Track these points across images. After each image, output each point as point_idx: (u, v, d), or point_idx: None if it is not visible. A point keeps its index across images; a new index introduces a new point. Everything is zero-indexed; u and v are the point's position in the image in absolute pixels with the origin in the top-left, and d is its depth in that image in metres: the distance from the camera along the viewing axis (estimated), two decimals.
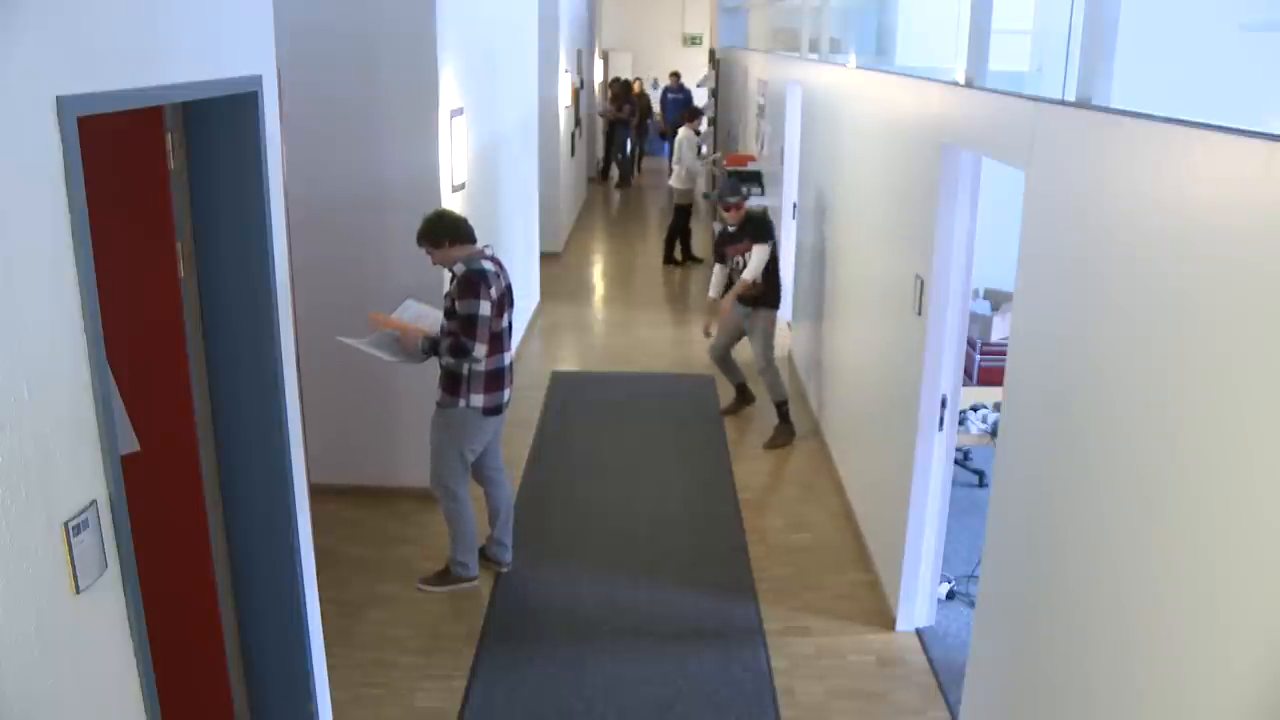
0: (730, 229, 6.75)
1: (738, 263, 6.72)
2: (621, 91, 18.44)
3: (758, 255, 6.59)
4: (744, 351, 7.28)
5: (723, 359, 7.11)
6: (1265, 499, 1.85)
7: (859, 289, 5.83)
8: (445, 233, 4.54)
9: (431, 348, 4.50)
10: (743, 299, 6.74)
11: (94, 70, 2.06)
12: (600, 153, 18.72)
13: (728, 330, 6.98)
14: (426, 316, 4.72)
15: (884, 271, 5.11)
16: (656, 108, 19.68)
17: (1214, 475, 2.03)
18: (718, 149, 14.98)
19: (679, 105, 16.85)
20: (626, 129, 18.13)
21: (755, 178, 11.07)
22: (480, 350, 4.44)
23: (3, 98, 1.78)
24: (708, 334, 7.01)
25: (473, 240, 4.59)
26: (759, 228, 6.66)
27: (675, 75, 19.03)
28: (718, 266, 7.00)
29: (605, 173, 18.68)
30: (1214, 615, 2.02)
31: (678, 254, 11.85)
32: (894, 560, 4.68)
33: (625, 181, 18.20)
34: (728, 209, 6.69)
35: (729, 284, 6.86)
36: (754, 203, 7.56)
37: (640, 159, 19.29)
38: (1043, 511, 2.98)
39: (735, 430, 6.99)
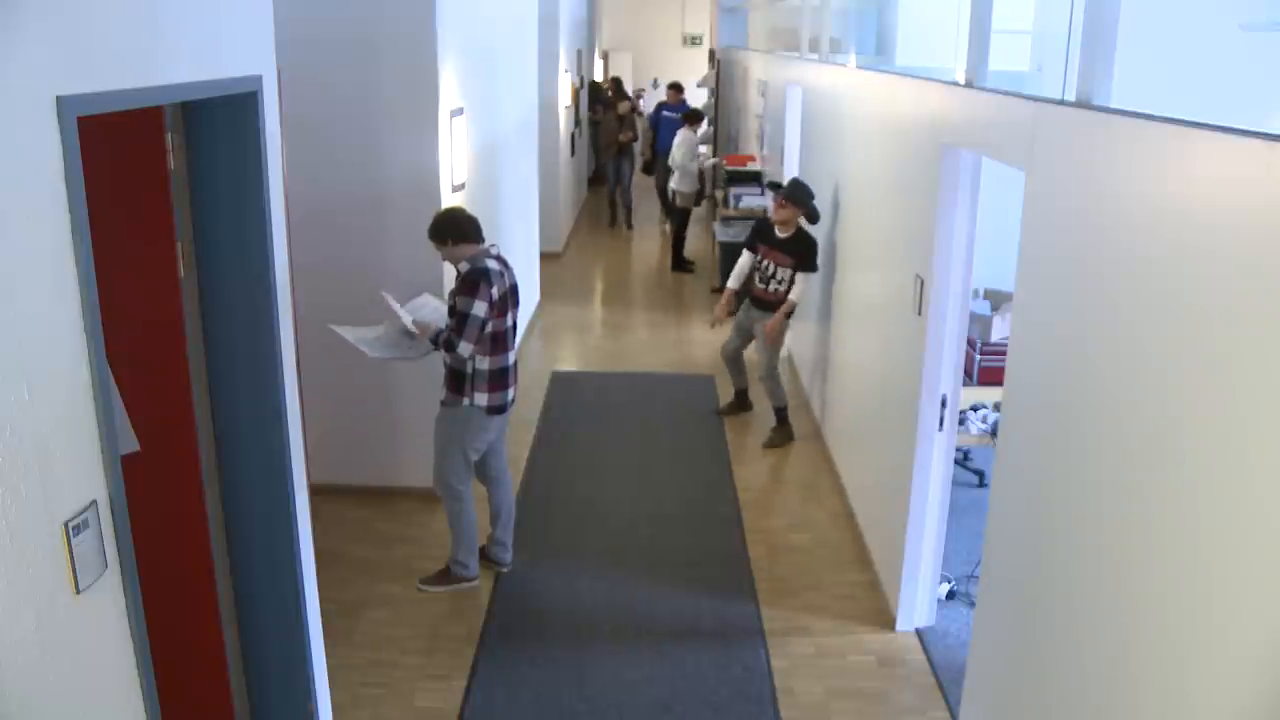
0: (778, 233, 6.53)
1: (769, 267, 6.58)
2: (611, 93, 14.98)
3: (802, 284, 6.49)
4: (749, 353, 7.27)
5: (733, 360, 7.08)
6: (1265, 498, 1.85)
7: (859, 289, 5.83)
8: (449, 232, 4.54)
9: (436, 339, 4.51)
10: (759, 303, 6.69)
11: (94, 70, 2.06)
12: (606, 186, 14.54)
13: (740, 331, 6.95)
14: (439, 311, 4.73)
15: (884, 271, 5.11)
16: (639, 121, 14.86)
17: (1214, 475, 2.03)
18: (717, 153, 14.48)
19: (675, 126, 12.73)
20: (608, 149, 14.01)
21: (755, 178, 11.07)
22: (467, 349, 4.44)
23: (3, 98, 1.78)
24: (715, 325, 7.00)
25: (479, 240, 4.59)
26: (806, 254, 6.49)
27: (676, 88, 14.31)
28: (746, 255, 6.77)
29: (618, 218, 14.31)
30: (1213, 615, 2.02)
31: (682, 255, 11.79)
32: (894, 560, 4.68)
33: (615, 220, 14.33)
34: (778, 201, 6.52)
35: (753, 285, 6.75)
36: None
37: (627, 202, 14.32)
38: (1043, 511, 2.98)
39: (735, 430, 6.99)
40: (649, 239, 13.46)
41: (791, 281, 6.53)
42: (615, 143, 13.60)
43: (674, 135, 12.46)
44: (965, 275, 4.21)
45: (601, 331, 9.62)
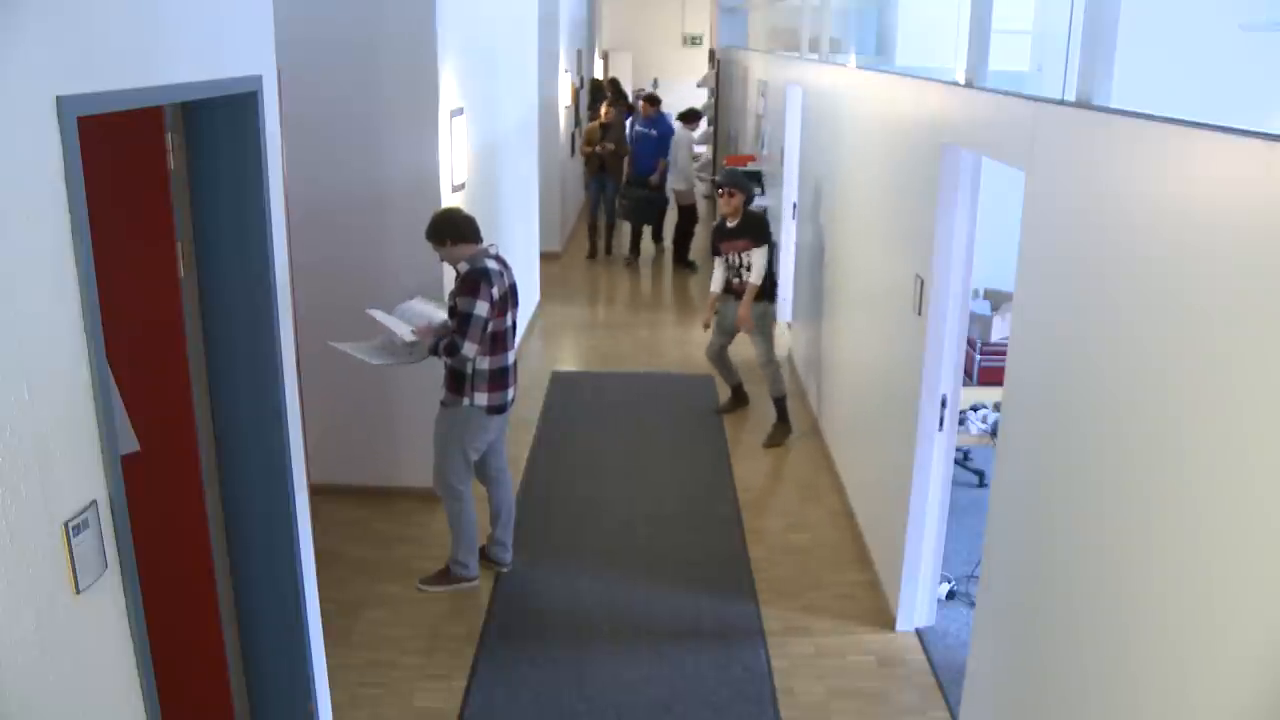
0: (728, 224, 6.71)
1: (736, 260, 6.70)
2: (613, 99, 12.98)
3: (759, 259, 6.58)
4: (740, 351, 7.28)
5: (719, 358, 7.12)
6: (1265, 498, 1.85)
7: (859, 289, 5.83)
8: (448, 232, 4.55)
9: (434, 346, 4.51)
10: (738, 296, 6.74)
11: (94, 70, 2.06)
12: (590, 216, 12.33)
13: (722, 329, 6.99)
14: (431, 309, 4.72)
15: (884, 271, 5.11)
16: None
17: (1214, 475, 2.03)
18: (717, 153, 14.29)
19: (652, 146, 11.63)
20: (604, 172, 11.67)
21: (755, 178, 11.07)
22: (470, 349, 4.44)
23: (3, 98, 1.78)
24: (706, 327, 7.05)
25: (477, 239, 4.59)
26: (758, 228, 6.66)
27: (651, 100, 12.13)
28: (718, 261, 6.90)
29: (599, 248, 12.22)
30: (1213, 615, 2.02)
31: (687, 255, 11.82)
32: (894, 560, 4.68)
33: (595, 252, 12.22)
34: (721, 194, 6.70)
35: (728, 279, 6.83)
36: (756, 203, 7.47)
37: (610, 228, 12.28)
38: (1043, 511, 2.98)
39: (735, 430, 6.99)
40: (647, 241, 12.78)
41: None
42: (596, 156, 11.56)
43: (650, 156, 11.51)
44: (965, 275, 4.21)
45: (601, 331, 9.62)
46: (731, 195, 6.64)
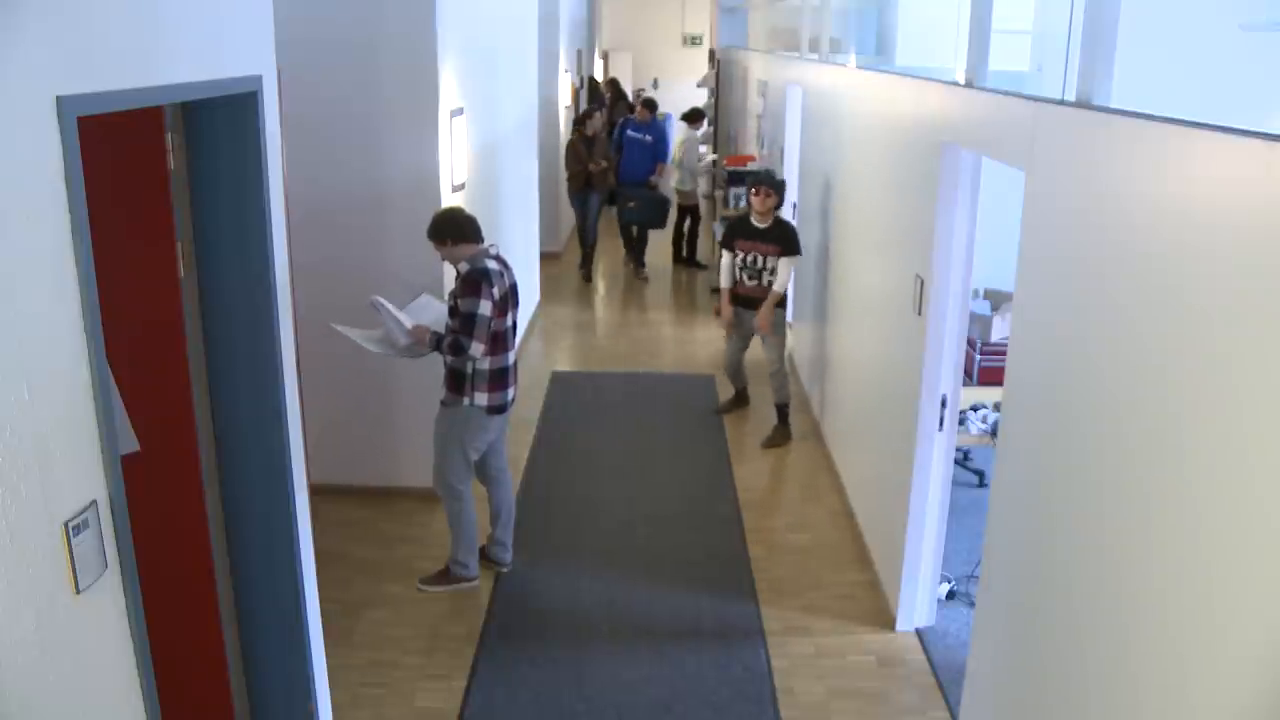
0: (757, 224, 6.56)
1: (756, 260, 6.57)
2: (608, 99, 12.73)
3: (786, 269, 6.51)
4: (750, 353, 7.25)
5: (736, 370, 7.07)
6: (1265, 498, 1.85)
7: (859, 288, 5.83)
8: (449, 232, 4.55)
9: (437, 344, 4.50)
10: (750, 303, 6.67)
11: (94, 70, 2.06)
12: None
13: (740, 338, 6.93)
14: (441, 311, 4.71)
15: (884, 271, 5.11)
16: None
17: (1213, 475, 2.03)
18: (717, 152, 14.24)
19: (644, 151, 11.18)
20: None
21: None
22: (478, 349, 4.45)
23: (3, 98, 1.78)
24: (717, 314, 7.00)
25: (478, 240, 4.59)
26: (790, 239, 6.55)
27: (649, 105, 11.57)
28: (727, 255, 6.73)
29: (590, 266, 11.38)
30: (1213, 615, 2.02)
31: (683, 252, 11.83)
32: (894, 560, 4.68)
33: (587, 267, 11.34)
34: (756, 193, 6.51)
35: (742, 279, 6.69)
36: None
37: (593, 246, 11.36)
38: (1043, 511, 2.98)
39: (735, 430, 6.99)
40: (651, 240, 12.30)
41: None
42: (584, 172, 10.61)
43: (642, 162, 11.16)
44: (965, 275, 4.21)
45: (601, 331, 9.62)
46: (768, 195, 6.50)
